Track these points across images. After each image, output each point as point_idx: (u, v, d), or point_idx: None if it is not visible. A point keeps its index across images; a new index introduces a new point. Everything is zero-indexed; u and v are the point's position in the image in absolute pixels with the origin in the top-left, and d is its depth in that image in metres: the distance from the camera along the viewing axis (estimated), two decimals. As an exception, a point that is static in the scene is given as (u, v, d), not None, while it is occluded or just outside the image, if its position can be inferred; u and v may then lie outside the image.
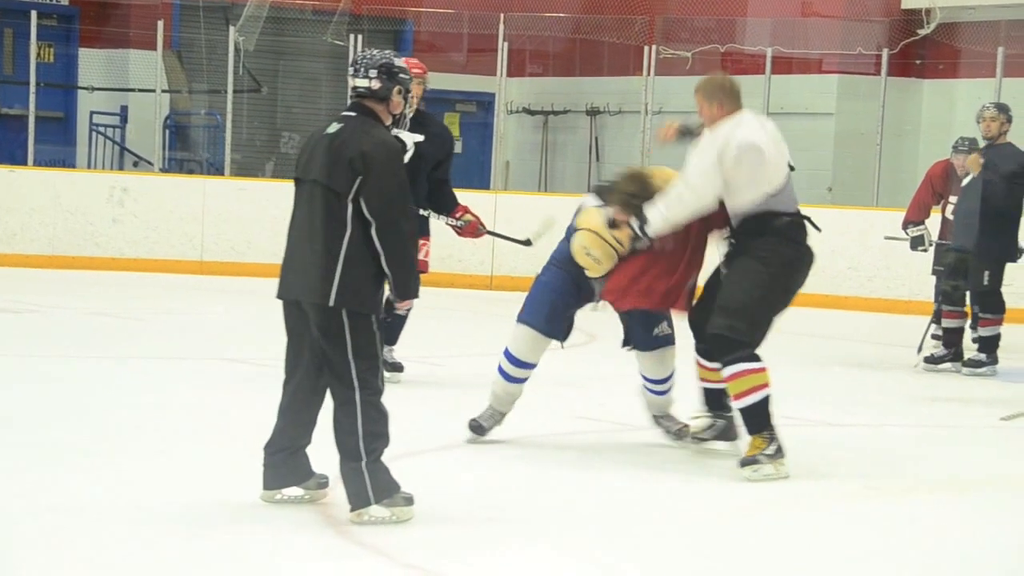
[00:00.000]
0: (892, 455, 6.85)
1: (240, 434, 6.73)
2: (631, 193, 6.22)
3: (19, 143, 16.15)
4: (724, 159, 6.08)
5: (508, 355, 6.53)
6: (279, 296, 5.19)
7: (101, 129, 17.84)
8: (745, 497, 5.83)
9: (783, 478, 5.98)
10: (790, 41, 16.31)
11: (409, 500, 5.12)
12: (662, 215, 6.12)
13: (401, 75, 5.16)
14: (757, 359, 6.00)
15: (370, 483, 5.04)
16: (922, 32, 15.95)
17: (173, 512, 5.21)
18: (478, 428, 6.61)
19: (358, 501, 5.07)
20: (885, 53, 15.00)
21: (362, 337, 5.05)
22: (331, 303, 5.00)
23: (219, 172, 16.32)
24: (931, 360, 9.87)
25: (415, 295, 5.15)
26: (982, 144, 9.75)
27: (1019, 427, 7.74)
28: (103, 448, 6.34)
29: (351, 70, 5.17)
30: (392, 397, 5.24)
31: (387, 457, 5.14)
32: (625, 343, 6.65)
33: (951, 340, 9.88)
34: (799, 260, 6.14)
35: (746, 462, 6.01)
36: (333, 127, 5.12)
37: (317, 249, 5.02)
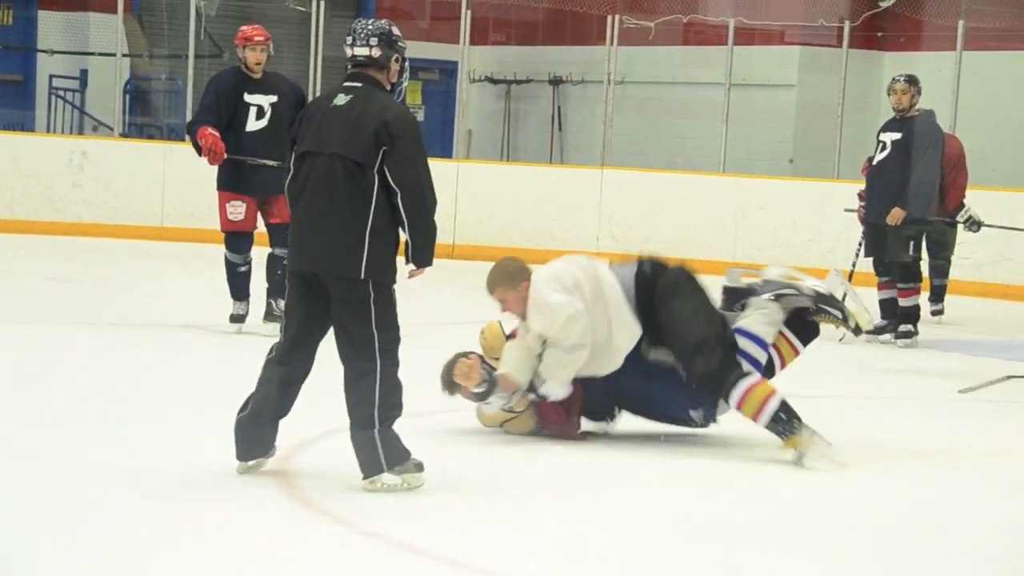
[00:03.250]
0: (855, 427, 6.84)
1: (200, 401, 6.67)
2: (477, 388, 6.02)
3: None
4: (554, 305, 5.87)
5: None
6: (295, 269, 5.13)
7: (61, 93, 17.65)
8: (707, 467, 5.82)
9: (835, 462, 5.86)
10: (752, 12, 16.29)
11: (419, 467, 5.13)
12: (555, 385, 5.96)
13: (399, 43, 5.19)
14: (751, 372, 5.94)
15: (383, 450, 5.05)
16: (884, 4, 15.95)
17: (131, 478, 5.15)
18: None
19: (371, 469, 5.07)
20: (847, 25, 14.99)
21: (385, 309, 5.07)
22: (361, 275, 5.00)
23: (180, 138, 16.18)
24: (873, 331, 9.93)
25: (431, 263, 5.15)
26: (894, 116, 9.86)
27: (977, 400, 7.76)
28: (61, 414, 6.27)
29: (348, 39, 5.17)
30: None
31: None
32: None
33: (890, 311, 9.94)
34: (684, 272, 6.05)
35: (798, 458, 5.86)
36: (341, 99, 5.10)
37: (343, 222, 5.01)
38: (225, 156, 8.56)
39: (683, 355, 5.93)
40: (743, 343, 6.00)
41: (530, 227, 14.48)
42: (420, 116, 18.35)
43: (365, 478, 5.08)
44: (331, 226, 5.03)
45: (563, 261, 6.09)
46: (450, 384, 6.06)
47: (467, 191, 14.45)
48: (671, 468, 5.80)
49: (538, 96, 18.49)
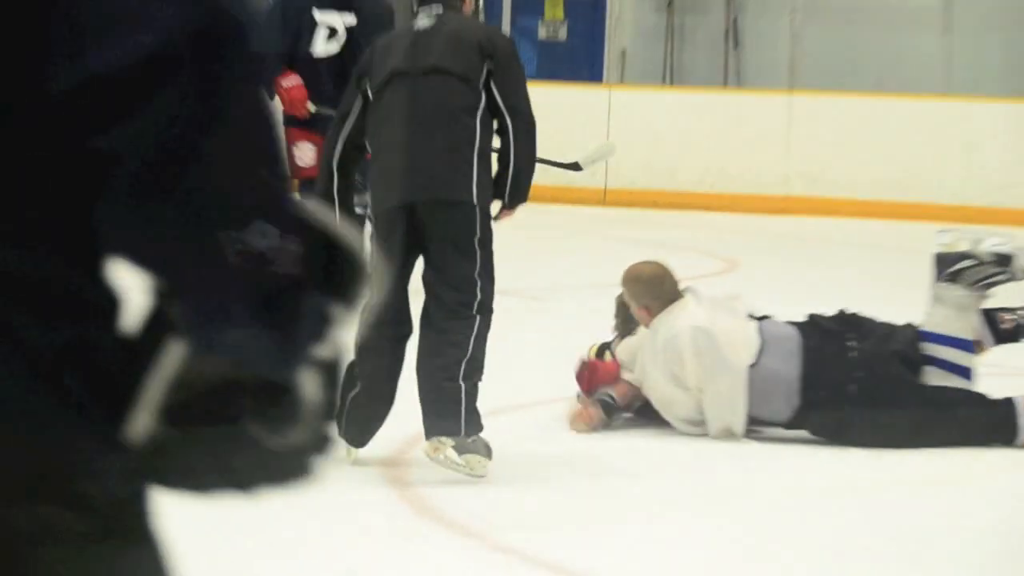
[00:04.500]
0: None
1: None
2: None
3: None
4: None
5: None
6: (390, 204, 5.18)
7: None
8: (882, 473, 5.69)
9: None
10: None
11: (489, 450, 5.10)
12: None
13: None
14: (1006, 403, 5.90)
15: (465, 411, 5.02)
16: None
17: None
18: None
19: (443, 427, 5.03)
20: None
21: (488, 250, 5.15)
22: (474, 200, 5.11)
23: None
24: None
25: (526, 199, 5.31)
26: None
27: None
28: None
29: None
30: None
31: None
32: None
33: None
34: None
35: None
36: (424, 21, 5.32)
37: (450, 143, 5.15)
38: (309, 109, 8.29)
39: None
40: (939, 351, 5.91)
41: (700, 167, 14.41)
42: (563, 33, 18.27)
43: (432, 436, 5.03)
44: (437, 148, 5.16)
45: (701, 316, 5.95)
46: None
47: (621, 123, 14.28)
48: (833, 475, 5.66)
49: (708, 7, 18.28)
